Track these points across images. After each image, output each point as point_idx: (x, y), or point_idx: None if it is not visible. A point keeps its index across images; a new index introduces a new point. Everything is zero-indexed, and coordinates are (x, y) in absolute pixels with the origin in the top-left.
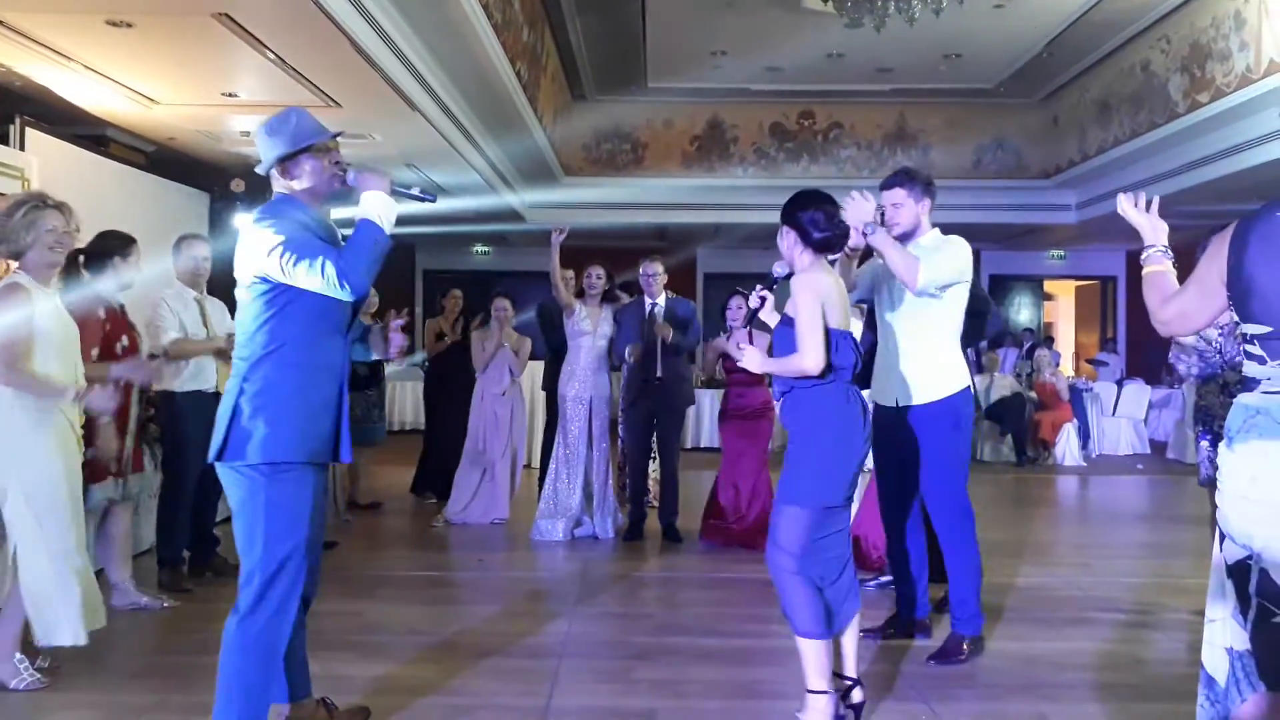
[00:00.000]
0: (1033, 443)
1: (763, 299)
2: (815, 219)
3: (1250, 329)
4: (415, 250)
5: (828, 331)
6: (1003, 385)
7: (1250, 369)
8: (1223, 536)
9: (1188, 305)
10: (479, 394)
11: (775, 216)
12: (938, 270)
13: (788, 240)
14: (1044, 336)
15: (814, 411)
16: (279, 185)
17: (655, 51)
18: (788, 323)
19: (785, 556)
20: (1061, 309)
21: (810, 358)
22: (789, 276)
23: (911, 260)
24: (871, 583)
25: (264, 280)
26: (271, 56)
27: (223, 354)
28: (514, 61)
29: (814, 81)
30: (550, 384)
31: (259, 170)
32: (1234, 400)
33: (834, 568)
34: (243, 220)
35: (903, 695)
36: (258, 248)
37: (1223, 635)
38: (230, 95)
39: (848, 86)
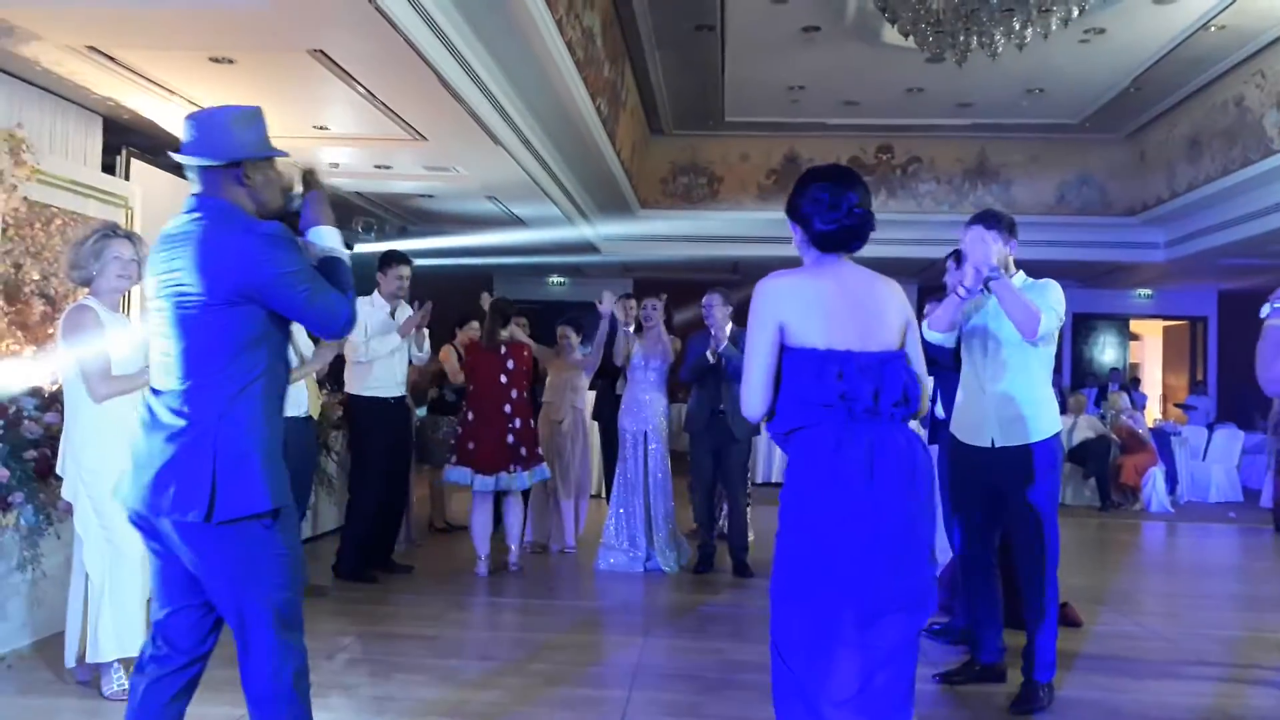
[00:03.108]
0: (1116, 487)
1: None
2: (819, 199)
3: None
4: (493, 280)
5: (797, 356)
6: (1086, 427)
7: None
8: None
9: None
10: (542, 421)
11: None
12: (1051, 321)
13: (796, 238)
14: (1130, 378)
15: (791, 467)
16: (210, 186)
17: (733, 87)
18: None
19: (777, 667)
20: (1149, 349)
21: (745, 401)
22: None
23: (1034, 311)
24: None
25: (250, 301)
26: (362, 91)
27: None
28: (595, 97)
29: (892, 115)
30: (600, 414)
31: (211, 158)
32: None
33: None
34: (196, 221)
35: None
36: (256, 265)
37: None
38: (321, 128)
39: (927, 121)
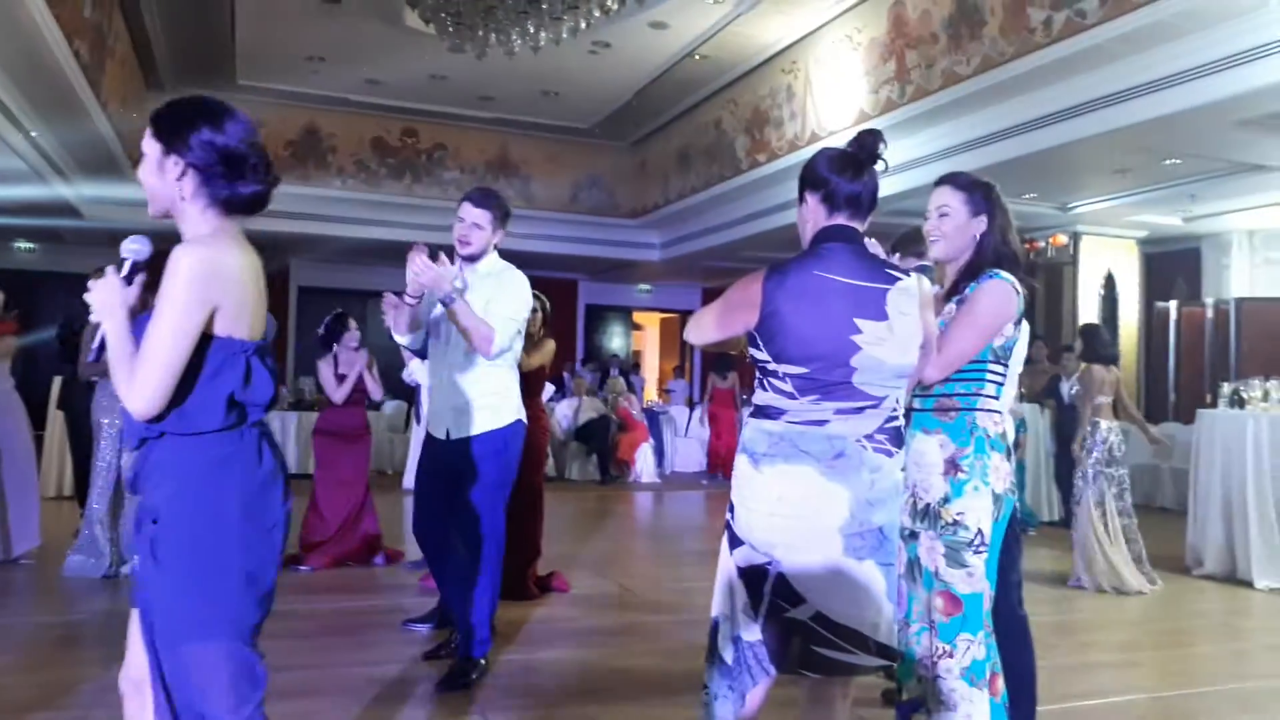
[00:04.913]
0: (615, 462)
1: (134, 268)
2: (227, 148)
3: (784, 369)
4: None
5: (224, 347)
6: (590, 408)
7: (771, 399)
8: (736, 543)
9: (706, 322)
10: None
11: (377, 232)
12: (506, 331)
13: (173, 182)
14: (631, 364)
15: (199, 478)
16: None
17: (246, 48)
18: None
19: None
20: (649, 338)
21: (136, 392)
22: (146, 262)
23: (487, 330)
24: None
25: None
26: None
27: None
28: (71, 38)
29: (417, 100)
30: (68, 404)
31: None
32: (754, 425)
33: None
34: None
35: (458, 709)
36: None
37: (731, 627)
38: None
39: (451, 109)
